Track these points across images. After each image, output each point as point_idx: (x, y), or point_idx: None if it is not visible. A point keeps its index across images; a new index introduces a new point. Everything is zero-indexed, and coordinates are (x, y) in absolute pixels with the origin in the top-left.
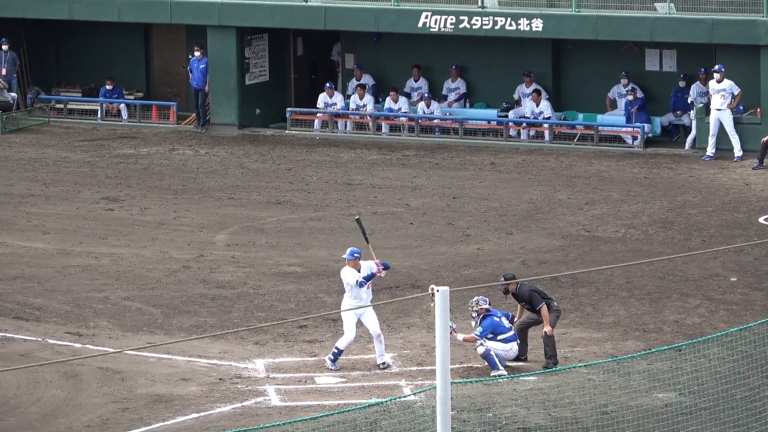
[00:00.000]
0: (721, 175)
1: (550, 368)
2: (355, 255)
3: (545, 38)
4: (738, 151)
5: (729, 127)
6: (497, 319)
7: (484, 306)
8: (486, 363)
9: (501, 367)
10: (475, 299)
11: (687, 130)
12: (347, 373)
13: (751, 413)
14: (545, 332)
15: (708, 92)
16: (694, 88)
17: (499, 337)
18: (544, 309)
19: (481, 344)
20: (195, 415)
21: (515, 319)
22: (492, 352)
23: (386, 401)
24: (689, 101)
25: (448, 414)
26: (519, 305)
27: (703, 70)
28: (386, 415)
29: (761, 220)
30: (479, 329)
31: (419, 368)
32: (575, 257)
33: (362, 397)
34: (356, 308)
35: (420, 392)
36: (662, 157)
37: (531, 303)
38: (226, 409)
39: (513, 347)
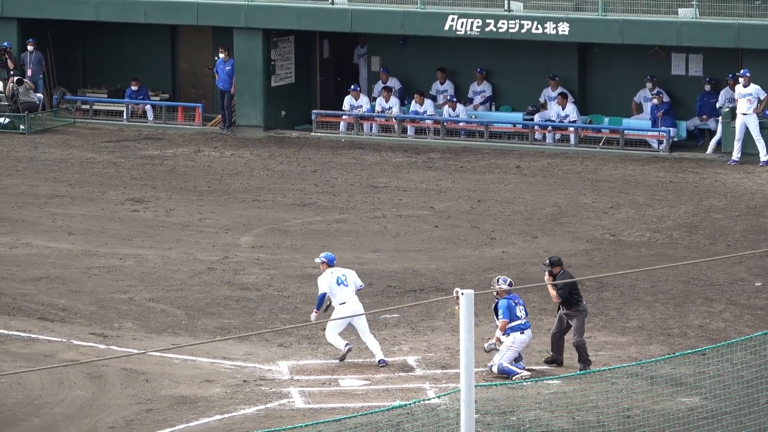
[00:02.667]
0: (747, 179)
1: (586, 371)
2: (324, 259)
3: (571, 42)
4: (764, 156)
5: (755, 132)
6: (514, 304)
7: (504, 287)
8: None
9: (519, 370)
10: (497, 278)
11: (713, 134)
12: (371, 376)
13: None
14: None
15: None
16: (723, 94)
17: (513, 324)
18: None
19: (492, 365)
20: (219, 416)
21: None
22: (505, 364)
23: (410, 404)
24: (718, 107)
25: (472, 417)
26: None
27: (731, 75)
28: (410, 418)
29: None
30: (500, 312)
31: (443, 371)
32: (600, 261)
33: (386, 399)
34: (347, 317)
35: (444, 395)
36: (688, 161)
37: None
38: (249, 411)
39: (528, 333)
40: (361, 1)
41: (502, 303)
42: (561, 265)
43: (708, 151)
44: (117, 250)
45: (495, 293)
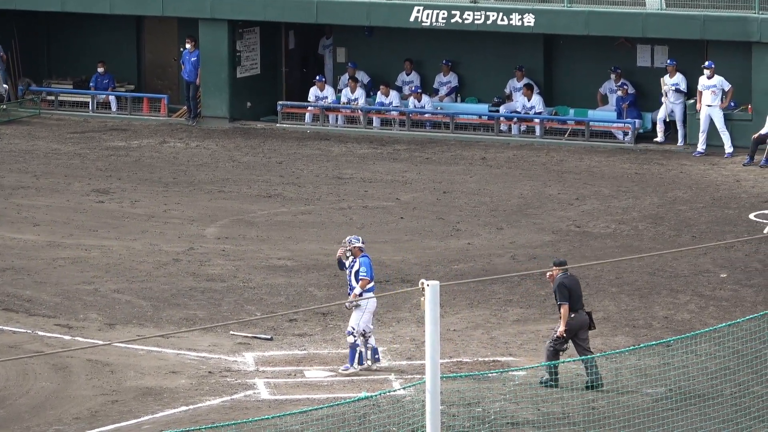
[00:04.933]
0: (712, 171)
1: (547, 385)
2: None
3: (537, 33)
4: (728, 148)
5: (719, 124)
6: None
7: (357, 245)
8: (349, 353)
9: (356, 368)
10: (348, 238)
11: (677, 126)
12: (337, 367)
13: (740, 408)
14: (558, 333)
15: (672, 86)
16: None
17: (370, 285)
18: (565, 308)
19: (352, 334)
20: (184, 408)
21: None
22: (358, 349)
23: (376, 395)
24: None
25: (438, 408)
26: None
27: (669, 62)
28: (375, 410)
29: (751, 216)
30: (363, 269)
31: (409, 362)
32: (565, 252)
33: (352, 391)
34: None
35: (409, 386)
36: (653, 153)
37: (555, 295)
38: (215, 402)
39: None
40: None
41: (365, 261)
42: (561, 265)
43: (679, 142)
44: (82, 241)
45: (349, 252)
